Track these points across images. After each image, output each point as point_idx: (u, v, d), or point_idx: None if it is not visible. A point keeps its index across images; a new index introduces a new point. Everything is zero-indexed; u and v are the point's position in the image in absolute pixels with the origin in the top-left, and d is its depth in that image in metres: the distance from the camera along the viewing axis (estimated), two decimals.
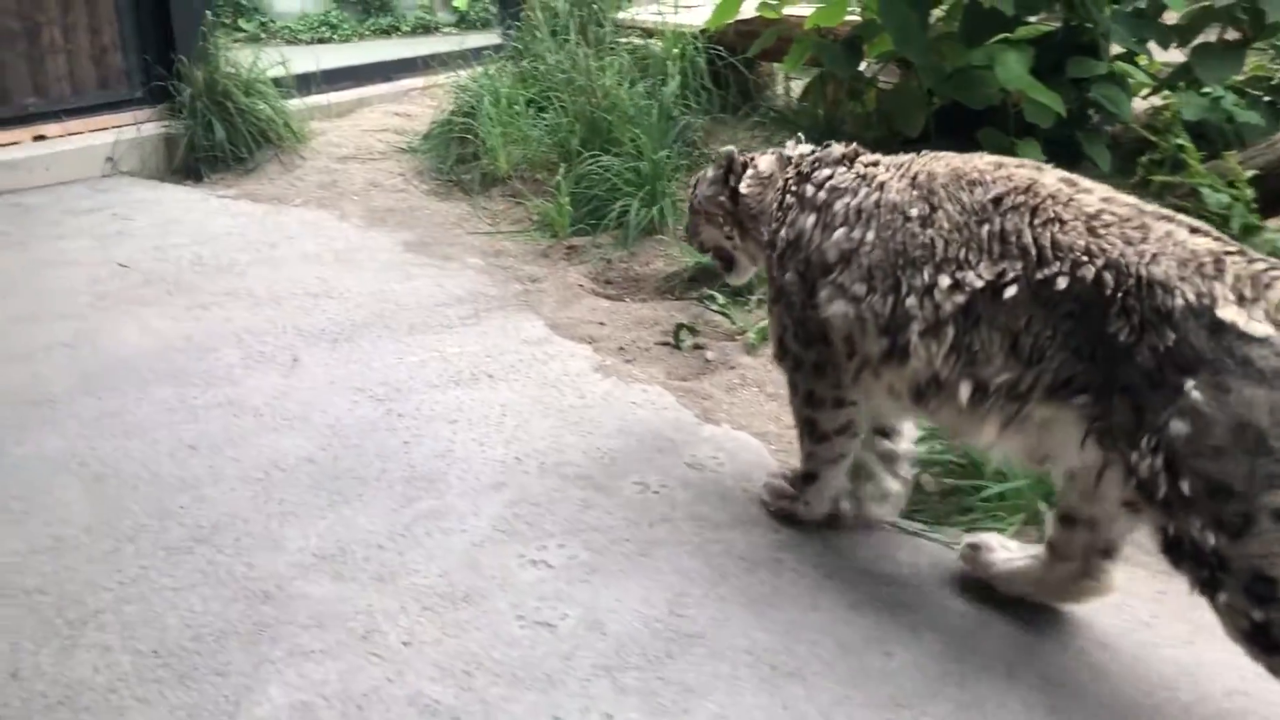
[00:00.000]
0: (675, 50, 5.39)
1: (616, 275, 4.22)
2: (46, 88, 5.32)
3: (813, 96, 4.78)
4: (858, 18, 4.78)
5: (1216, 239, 1.86)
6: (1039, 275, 1.92)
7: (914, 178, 2.17)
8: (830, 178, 2.32)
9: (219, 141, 5.38)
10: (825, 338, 2.26)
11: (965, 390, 2.02)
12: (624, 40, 5.77)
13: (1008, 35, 4.11)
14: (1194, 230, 1.88)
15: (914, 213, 2.11)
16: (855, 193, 2.24)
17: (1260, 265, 1.79)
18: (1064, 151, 4.42)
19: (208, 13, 5.63)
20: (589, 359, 3.42)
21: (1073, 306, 1.88)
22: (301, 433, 2.91)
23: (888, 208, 2.16)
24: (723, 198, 2.58)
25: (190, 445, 2.83)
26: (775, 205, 2.43)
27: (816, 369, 2.32)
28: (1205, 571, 1.76)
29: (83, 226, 4.61)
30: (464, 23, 13.47)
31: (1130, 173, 4.51)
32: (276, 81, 5.79)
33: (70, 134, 5.39)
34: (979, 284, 1.99)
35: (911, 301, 2.07)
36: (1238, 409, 1.70)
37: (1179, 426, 1.74)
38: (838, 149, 2.42)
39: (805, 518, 2.46)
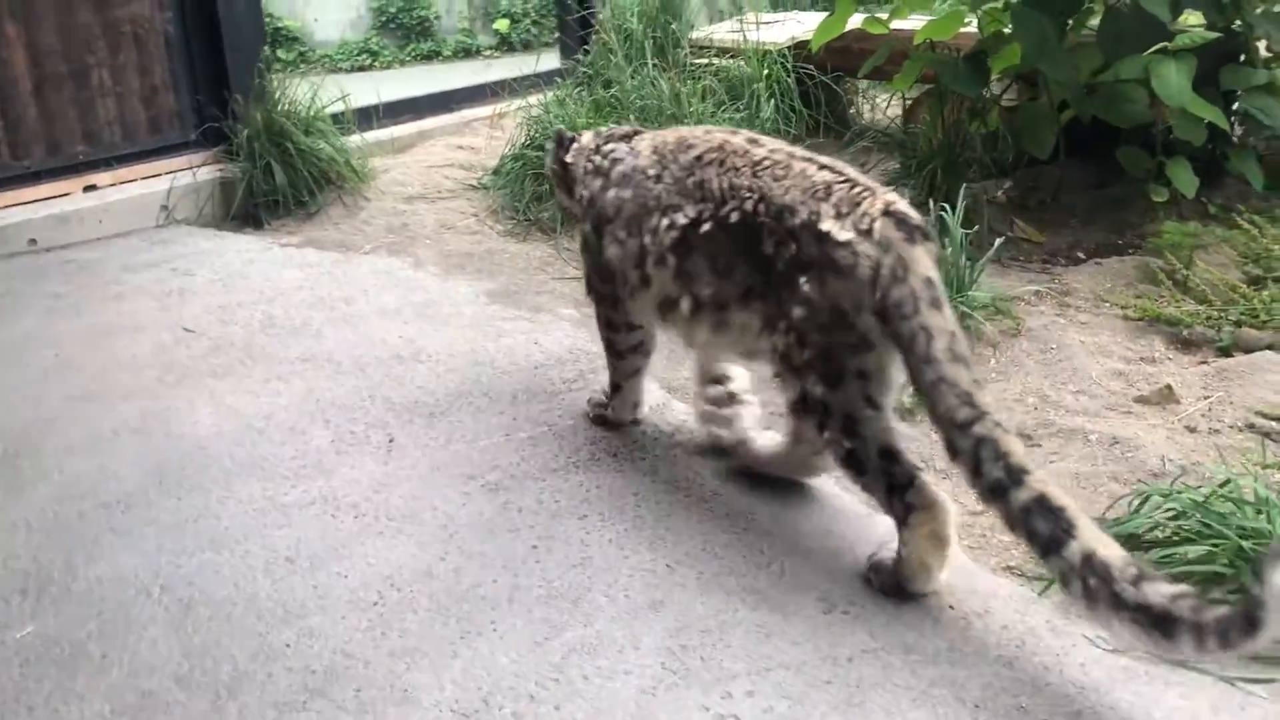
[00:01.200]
0: (764, 71, 4.99)
1: None
2: (96, 134, 5.00)
3: (929, 116, 4.35)
4: (973, 29, 4.37)
5: (836, 172, 2.35)
6: (722, 211, 2.45)
7: (655, 146, 2.72)
8: (613, 150, 2.85)
9: (279, 185, 5.03)
10: (612, 276, 2.77)
11: (686, 304, 2.56)
12: (702, 61, 5.39)
13: (1165, 44, 3.66)
14: (821, 167, 2.38)
15: (651, 172, 2.66)
16: (623, 161, 2.78)
17: (857, 189, 2.29)
18: (1211, 168, 4.00)
19: (264, 48, 5.30)
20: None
21: (744, 232, 2.40)
22: (412, 537, 2.52)
23: (639, 171, 2.70)
24: (557, 166, 3.07)
25: (287, 558, 2.45)
26: (582, 172, 2.93)
27: (611, 301, 2.85)
28: (818, 416, 2.32)
29: (142, 285, 4.26)
30: (505, 45, 13.20)
31: None
32: (335, 118, 5.45)
33: (122, 182, 5.06)
34: (685, 221, 2.53)
35: (647, 240, 2.62)
36: (829, 296, 2.23)
37: (799, 311, 2.28)
38: (622, 129, 3.00)
39: (614, 420, 3.01)
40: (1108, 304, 3.60)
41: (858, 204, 2.25)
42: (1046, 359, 3.30)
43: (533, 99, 5.49)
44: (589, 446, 2.94)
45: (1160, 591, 1.79)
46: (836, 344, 2.24)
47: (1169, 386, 2.97)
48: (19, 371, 3.47)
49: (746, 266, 2.41)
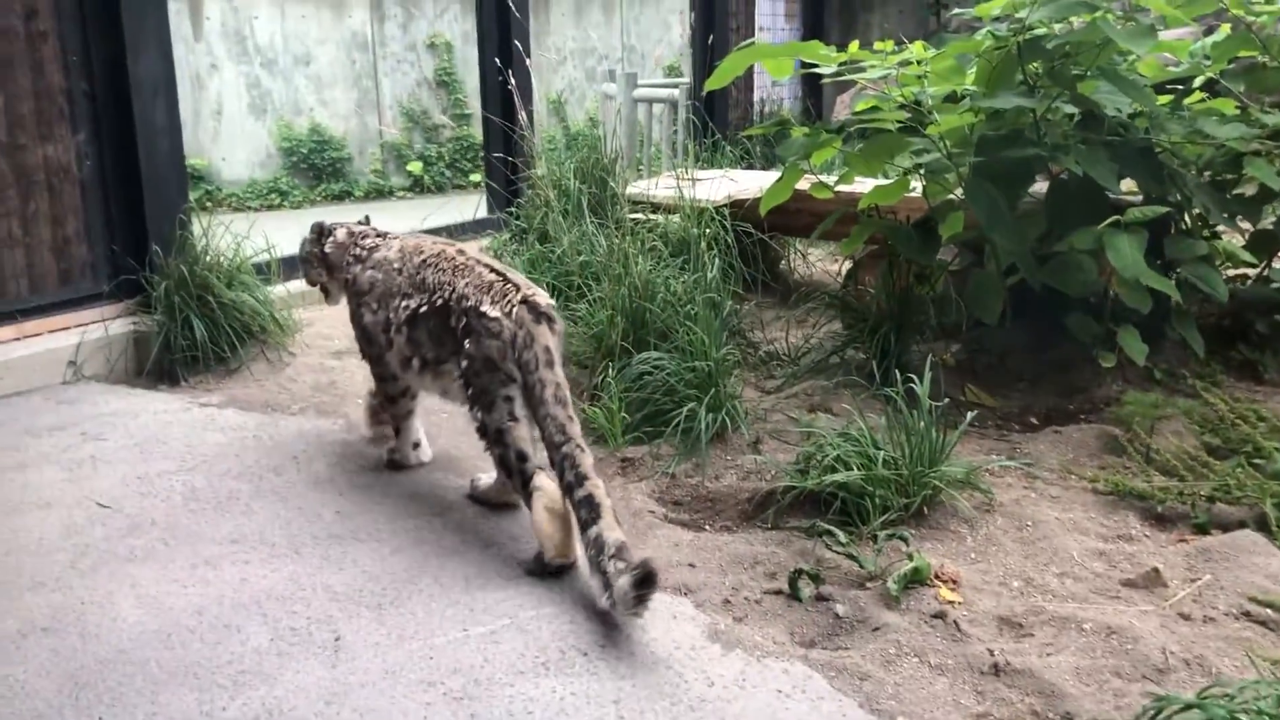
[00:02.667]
0: (705, 230, 4.97)
1: (685, 495, 3.66)
2: (1, 285, 4.69)
3: (880, 279, 4.34)
4: (916, 195, 4.41)
5: (499, 274, 3.34)
6: (431, 298, 3.39)
7: (399, 247, 3.64)
8: (370, 243, 3.77)
9: (199, 339, 4.76)
10: (371, 338, 3.66)
11: (416, 363, 3.48)
12: (639, 217, 5.35)
13: (1118, 218, 3.72)
14: (491, 269, 3.37)
15: (396, 266, 3.58)
16: (379, 250, 3.70)
17: (509, 285, 3.28)
18: (1153, 334, 4.05)
19: (187, 198, 5.11)
20: (694, 620, 2.83)
21: (444, 312, 3.34)
22: None
23: (388, 262, 3.61)
24: (317, 250, 3.94)
25: None
26: (344, 260, 3.81)
27: (376, 358, 3.70)
28: (484, 435, 3.24)
29: (47, 452, 3.93)
30: (418, 187, 13.21)
31: (1224, 351, 4.14)
32: (258, 267, 5.24)
33: (27, 336, 4.73)
34: (413, 305, 3.45)
35: (392, 315, 3.52)
36: (484, 351, 3.18)
37: (465, 363, 3.23)
38: (373, 229, 3.90)
39: (400, 461, 3.82)
40: (1074, 476, 3.55)
41: (505, 295, 3.25)
42: (1024, 538, 3.21)
43: (478, 246, 5.38)
44: (556, 643, 2.71)
45: (617, 566, 2.71)
46: (490, 383, 3.21)
47: (1156, 570, 2.89)
48: None
49: (447, 337, 3.34)
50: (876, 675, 2.56)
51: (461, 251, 3.51)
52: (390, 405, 3.76)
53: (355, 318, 3.75)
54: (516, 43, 6.36)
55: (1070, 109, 4.09)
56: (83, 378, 4.75)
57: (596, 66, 14.39)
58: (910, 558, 2.96)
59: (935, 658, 2.64)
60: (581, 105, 14.42)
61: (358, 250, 3.77)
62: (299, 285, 5.52)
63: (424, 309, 3.40)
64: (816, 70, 4.33)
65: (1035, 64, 4.03)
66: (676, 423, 3.81)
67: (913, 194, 4.39)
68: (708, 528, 3.45)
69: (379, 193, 12.99)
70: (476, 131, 13.49)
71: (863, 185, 4.70)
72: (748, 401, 4.11)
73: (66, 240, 4.89)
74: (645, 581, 2.62)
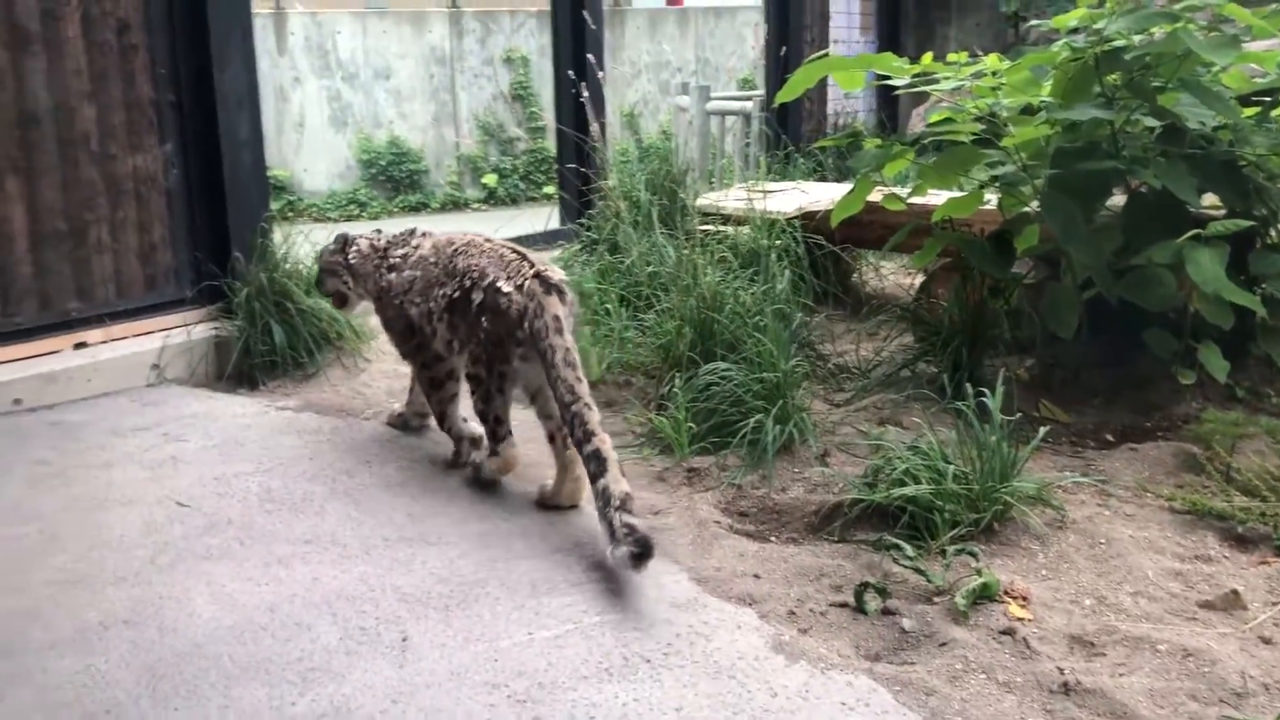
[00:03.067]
0: (776, 241, 4.96)
1: (751, 506, 3.65)
2: (90, 290, 4.86)
3: (954, 293, 4.29)
4: (990, 207, 4.36)
5: (517, 253, 3.68)
6: (461, 282, 3.68)
7: (431, 244, 3.95)
8: (401, 251, 4.05)
9: (277, 345, 4.89)
10: (413, 332, 3.95)
11: (456, 345, 3.74)
12: (709, 228, 5.36)
13: (1199, 231, 3.64)
14: (512, 250, 3.70)
15: (432, 260, 3.87)
16: (413, 255, 3.98)
17: (524, 263, 3.60)
18: (1235, 350, 3.94)
19: (269, 207, 5.24)
20: (759, 631, 2.81)
21: (470, 291, 3.63)
22: None
23: (424, 260, 3.91)
24: (341, 260, 4.18)
25: None
26: (373, 268, 4.10)
27: (417, 348, 3.97)
28: (475, 386, 3.68)
29: (131, 451, 4.05)
30: (492, 199, 13.38)
31: None
32: None
33: (113, 339, 4.89)
34: (448, 291, 3.73)
35: (433, 305, 3.79)
36: (495, 326, 3.53)
37: (481, 335, 3.59)
38: (398, 233, 4.16)
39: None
40: (1151, 494, 3.47)
41: (520, 270, 3.56)
42: (1097, 555, 3.14)
43: (550, 256, 5.44)
44: (620, 650, 2.72)
45: (622, 519, 3.03)
46: (495, 354, 3.60)
47: (1235, 592, 2.81)
48: (2, 550, 3.23)
49: (470, 312, 3.64)
50: (943, 691, 2.53)
51: (489, 239, 3.82)
52: (436, 390, 3.96)
53: (395, 317, 4.02)
54: (590, 56, 6.42)
55: (1150, 121, 4.01)
56: (165, 380, 4.89)
57: (670, 80, 14.45)
58: (979, 573, 2.92)
59: (1003, 675, 2.59)
60: (655, 118, 14.48)
61: (392, 259, 4.04)
62: None
63: (457, 294, 3.68)
64: (890, 83, 4.30)
65: (1113, 76, 3.96)
66: (744, 434, 3.80)
67: (987, 206, 4.34)
68: (773, 539, 3.44)
69: (454, 204, 13.20)
70: (551, 145, 13.63)
71: (936, 198, 4.66)
72: (816, 414, 4.09)
73: (152, 247, 5.04)
74: (643, 556, 2.97)
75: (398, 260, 4.01)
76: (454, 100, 13.42)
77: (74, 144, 4.73)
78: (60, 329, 4.77)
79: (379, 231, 4.24)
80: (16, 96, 4.54)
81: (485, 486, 3.74)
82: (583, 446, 3.24)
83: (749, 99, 9.22)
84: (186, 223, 5.12)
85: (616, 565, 3.01)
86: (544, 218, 6.89)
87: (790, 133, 7.74)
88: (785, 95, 4.17)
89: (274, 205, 10.78)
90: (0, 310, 4.61)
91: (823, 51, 8.42)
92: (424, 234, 4.08)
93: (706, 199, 5.74)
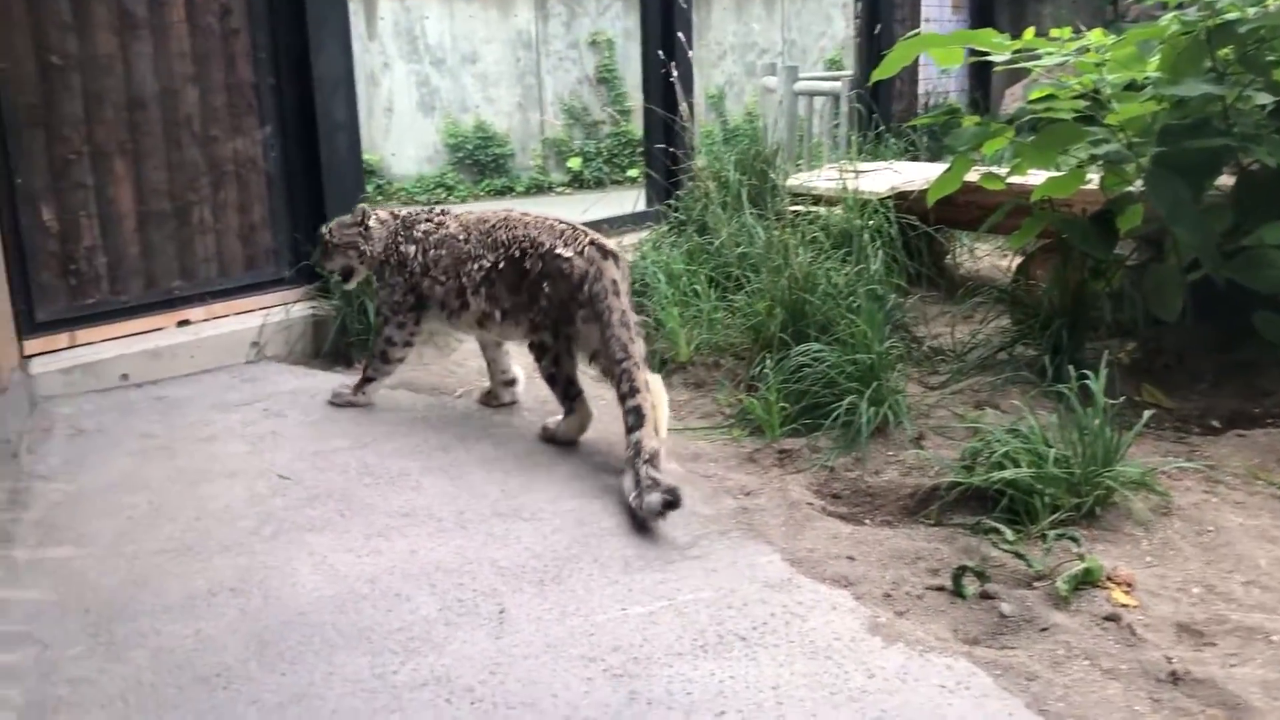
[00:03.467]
0: (869, 222, 4.89)
1: (844, 488, 3.62)
2: (193, 269, 4.99)
3: (1053, 274, 4.19)
4: (1092, 187, 4.24)
5: (567, 224, 3.93)
6: (508, 252, 3.89)
7: (458, 224, 4.11)
8: (425, 228, 4.20)
9: (372, 325, 4.95)
10: (415, 303, 4.18)
11: (497, 315, 3.96)
12: (800, 209, 5.31)
13: None
14: (560, 221, 3.95)
15: (461, 238, 4.04)
16: (436, 233, 4.14)
17: (577, 232, 3.86)
18: None
19: (364, 189, 5.32)
20: (854, 612, 2.79)
21: (519, 261, 3.87)
22: None
23: (451, 238, 4.07)
24: (358, 232, 4.29)
25: None
26: (393, 240, 4.24)
27: (399, 322, 4.22)
28: (542, 352, 3.89)
29: (233, 426, 4.16)
30: (577, 182, 13.42)
31: None
32: None
33: (215, 318, 5.02)
34: (488, 263, 3.94)
35: (465, 280, 3.98)
36: (558, 291, 3.78)
37: (543, 302, 3.81)
38: (423, 210, 4.31)
39: (360, 404, 4.34)
40: (1262, 481, 3.36)
41: (575, 239, 3.82)
42: (1205, 544, 3.05)
43: (636, 238, 5.45)
44: (714, 627, 2.72)
45: (651, 473, 3.32)
46: (560, 317, 3.82)
47: None
48: (112, 520, 3.34)
49: (522, 282, 3.87)
50: (1044, 676, 2.48)
51: (526, 213, 4.05)
52: (384, 363, 4.30)
53: (401, 285, 4.18)
54: (680, 34, 6.38)
55: (1263, 97, 3.86)
56: (264, 357, 5.00)
57: (756, 61, 14.34)
58: (1081, 558, 2.86)
59: (1108, 662, 2.54)
60: (740, 101, 14.39)
61: (416, 233, 4.19)
62: None
63: (502, 264, 3.90)
64: (987, 59, 4.21)
65: (1225, 49, 3.83)
66: (836, 415, 3.77)
67: (1087, 186, 4.22)
68: (867, 522, 3.41)
69: (539, 188, 13.28)
70: (636, 128, 13.63)
71: (1034, 178, 4.55)
72: (910, 397, 4.03)
73: (252, 227, 5.16)
74: (672, 504, 3.23)
75: (420, 235, 4.16)
76: (539, 84, 13.48)
77: (178, 126, 4.85)
78: (164, 307, 4.90)
79: (365, 202, 4.50)
80: (125, 81, 4.67)
81: (565, 445, 3.93)
82: (626, 401, 3.57)
83: (838, 79, 9.12)
84: (285, 204, 5.23)
85: (646, 512, 3.24)
86: (628, 200, 6.89)
87: (881, 112, 7.62)
88: (882, 72, 4.11)
89: (365, 189, 10.99)
90: (109, 288, 4.76)
91: (916, 30, 8.27)
92: (447, 213, 4.27)
93: (796, 179, 5.69)
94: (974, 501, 3.31)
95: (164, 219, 4.86)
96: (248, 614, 2.80)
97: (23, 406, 4.07)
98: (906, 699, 2.41)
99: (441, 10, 12.89)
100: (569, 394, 3.88)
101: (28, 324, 4.49)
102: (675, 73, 5.94)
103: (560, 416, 3.96)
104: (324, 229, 4.40)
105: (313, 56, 5.11)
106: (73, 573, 3.01)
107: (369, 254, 4.28)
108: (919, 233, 5.13)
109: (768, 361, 4.04)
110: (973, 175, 4.44)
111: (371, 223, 4.29)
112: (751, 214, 5.17)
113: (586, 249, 3.78)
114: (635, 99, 13.75)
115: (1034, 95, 4.21)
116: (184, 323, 4.95)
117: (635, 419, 3.51)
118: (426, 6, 12.82)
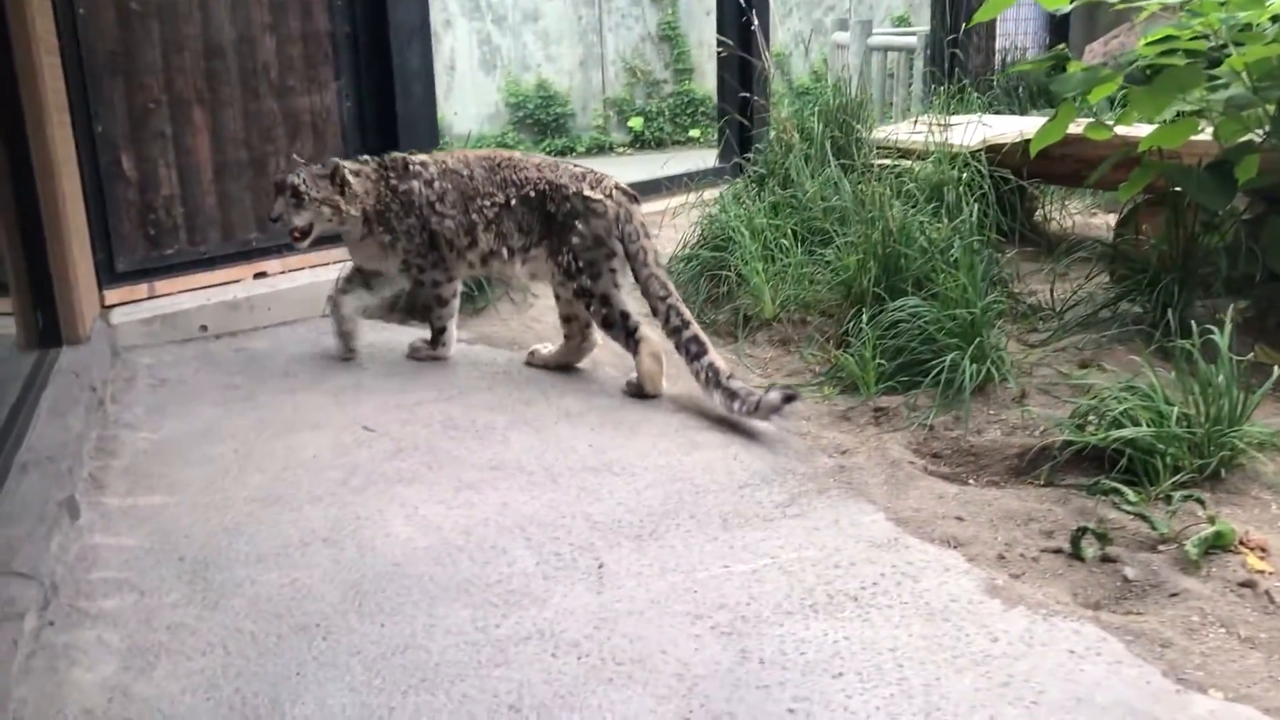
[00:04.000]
0: (962, 175, 4.71)
1: (944, 447, 3.48)
2: (269, 221, 4.92)
3: (1165, 228, 4.00)
4: (1204, 138, 4.03)
5: (581, 168, 4.04)
6: (521, 191, 3.99)
7: (452, 161, 4.12)
8: (420, 161, 4.15)
9: None
10: (435, 245, 4.10)
11: (505, 253, 4.06)
12: (885, 162, 5.13)
13: None
14: (570, 164, 4.08)
15: (466, 174, 4.07)
16: (428, 168, 4.12)
17: (597, 175, 3.99)
18: None
19: (438, 142, 5.23)
20: (968, 574, 2.67)
21: (535, 203, 3.97)
22: (646, 687, 2.22)
23: (454, 173, 4.08)
24: (330, 188, 4.06)
25: (511, 705, 2.16)
26: (383, 188, 4.13)
27: (433, 263, 4.13)
28: (590, 299, 3.89)
29: (314, 378, 4.11)
30: (638, 142, 13.25)
31: None
32: None
33: (291, 270, 4.98)
34: (500, 201, 4.02)
35: (476, 216, 4.04)
36: (593, 230, 3.85)
37: (575, 240, 3.87)
38: (397, 155, 4.21)
39: (441, 356, 4.25)
40: None
41: (600, 182, 3.95)
42: None
43: (708, 195, 5.31)
44: (823, 587, 2.61)
45: (735, 384, 3.56)
46: (598, 255, 3.87)
47: None
48: (201, 469, 3.30)
49: (538, 224, 3.97)
50: (1179, 643, 2.35)
51: (521, 153, 4.17)
52: (440, 307, 4.20)
53: (420, 226, 4.08)
54: None
55: None
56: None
57: (823, 18, 14.03)
58: (1211, 521, 2.71)
59: (1246, 630, 2.40)
60: (806, 59, 14.09)
61: (415, 167, 4.10)
62: None
63: (514, 202, 3.97)
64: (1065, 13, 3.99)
65: None
66: (938, 372, 3.62)
67: (1198, 137, 4.01)
68: (971, 482, 3.28)
69: (600, 148, 13.12)
70: (698, 86, 13.43)
71: (1137, 130, 4.35)
72: (1010, 354, 3.87)
73: None
74: (791, 398, 3.46)
75: (418, 169, 4.09)
76: (601, 42, 13.29)
77: (255, 75, 4.79)
78: (241, 259, 4.87)
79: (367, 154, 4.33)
80: (203, 28, 4.61)
81: (650, 398, 3.88)
82: (681, 333, 3.74)
83: (913, 34, 8.87)
84: (360, 151, 5.14)
85: (764, 409, 3.45)
86: (691, 161, 6.73)
87: (959, 68, 7.38)
88: (983, 15, 3.93)
89: None
90: (186, 239, 4.72)
91: None
92: (423, 156, 4.18)
93: (881, 132, 5.51)
94: (1087, 462, 3.16)
95: (241, 169, 4.81)
96: (342, 564, 2.73)
97: (105, 356, 4.04)
98: (1035, 664, 2.28)
99: None
100: (628, 326, 3.86)
101: (108, 274, 4.48)
102: (755, 20, 5.76)
103: (632, 372, 3.91)
104: (295, 177, 4.06)
105: (389, 3, 5.01)
106: (165, 520, 2.97)
107: (349, 212, 4.07)
108: (1011, 187, 4.94)
109: (862, 317, 3.90)
110: (1073, 127, 4.24)
111: (350, 178, 4.08)
112: (837, 166, 5.01)
113: (614, 192, 3.90)
114: (698, 57, 13.56)
115: (1150, 37, 3.99)
116: (261, 275, 4.91)
117: (698, 347, 3.69)
118: None
